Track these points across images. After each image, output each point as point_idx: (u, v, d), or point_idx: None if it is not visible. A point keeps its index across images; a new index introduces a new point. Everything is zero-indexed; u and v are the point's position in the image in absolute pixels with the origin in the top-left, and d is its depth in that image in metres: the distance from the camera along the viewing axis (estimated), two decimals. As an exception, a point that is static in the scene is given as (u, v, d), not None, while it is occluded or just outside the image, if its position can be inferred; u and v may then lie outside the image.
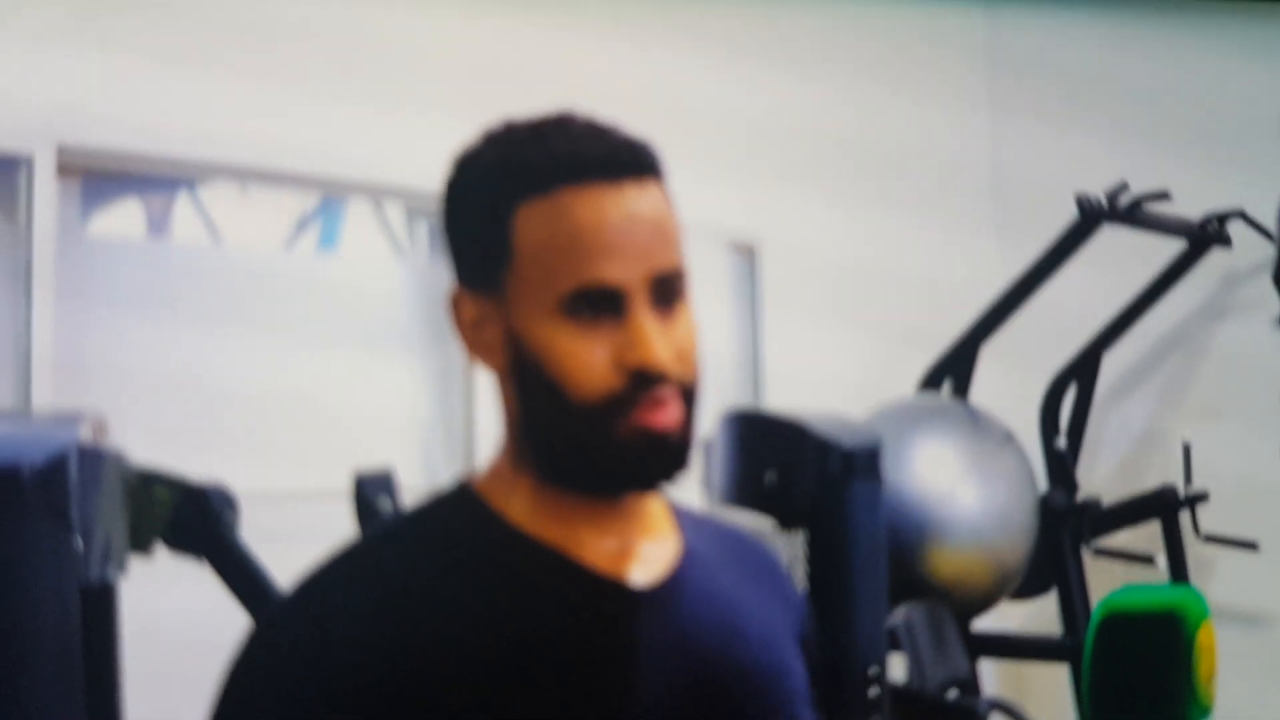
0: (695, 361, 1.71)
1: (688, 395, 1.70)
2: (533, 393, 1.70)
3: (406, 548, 1.76)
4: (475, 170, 1.74)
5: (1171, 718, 1.55)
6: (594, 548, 1.73)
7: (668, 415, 1.67)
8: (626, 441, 1.67)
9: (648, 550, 1.76)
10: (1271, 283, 4.28)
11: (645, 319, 1.67)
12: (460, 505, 1.76)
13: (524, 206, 1.68)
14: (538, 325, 1.68)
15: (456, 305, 1.74)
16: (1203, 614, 1.59)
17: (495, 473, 1.76)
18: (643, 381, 1.66)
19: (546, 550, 1.72)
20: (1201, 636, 1.58)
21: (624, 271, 1.67)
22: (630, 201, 1.68)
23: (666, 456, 1.69)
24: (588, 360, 1.67)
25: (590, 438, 1.68)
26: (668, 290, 1.69)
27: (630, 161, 1.70)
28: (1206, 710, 1.59)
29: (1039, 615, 4.47)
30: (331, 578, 1.74)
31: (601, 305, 1.67)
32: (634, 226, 1.68)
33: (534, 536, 1.72)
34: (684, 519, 1.83)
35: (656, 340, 1.67)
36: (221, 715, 1.70)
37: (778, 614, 1.87)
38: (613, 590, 1.72)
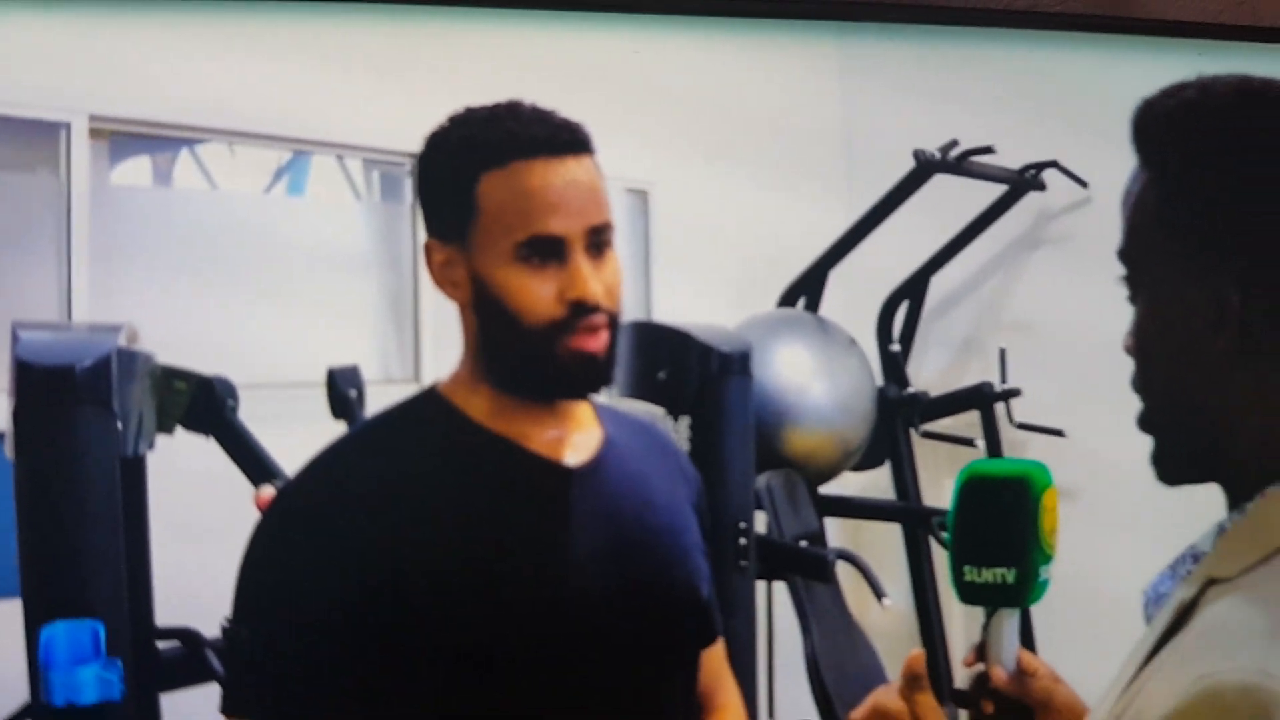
0: (619, 296, 1.82)
1: (613, 322, 1.80)
2: (492, 321, 1.80)
3: (392, 436, 1.88)
4: (445, 147, 1.83)
5: (1020, 560, 1.62)
6: (537, 438, 1.86)
7: (598, 340, 1.79)
8: (565, 361, 1.79)
9: (578, 439, 1.90)
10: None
11: (582, 262, 1.77)
12: (431, 405, 1.87)
13: (485, 177, 1.77)
14: (497, 268, 1.77)
15: (429, 251, 1.84)
16: (1047, 481, 1.61)
17: (457, 380, 1.88)
18: (579, 310, 1.77)
19: (501, 439, 1.84)
20: (1046, 499, 1.62)
21: (565, 225, 1.77)
22: (569, 171, 1.78)
23: (594, 374, 1.82)
24: (536, 294, 1.77)
25: (537, 355, 1.79)
26: (599, 240, 1.80)
27: (569, 140, 1.80)
28: (1049, 557, 1.63)
29: (875, 484, 4.48)
30: (333, 459, 1.86)
31: (548, 252, 1.77)
32: (572, 190, 1.78)
33: (491, 429, 1.85)
34: (604, 413, 1.96)
35: (591, 279, 1.77)
36: (248, 573, 1.82)
37: (678, 486, 2.01)
38: (553, 469, 1.85)
